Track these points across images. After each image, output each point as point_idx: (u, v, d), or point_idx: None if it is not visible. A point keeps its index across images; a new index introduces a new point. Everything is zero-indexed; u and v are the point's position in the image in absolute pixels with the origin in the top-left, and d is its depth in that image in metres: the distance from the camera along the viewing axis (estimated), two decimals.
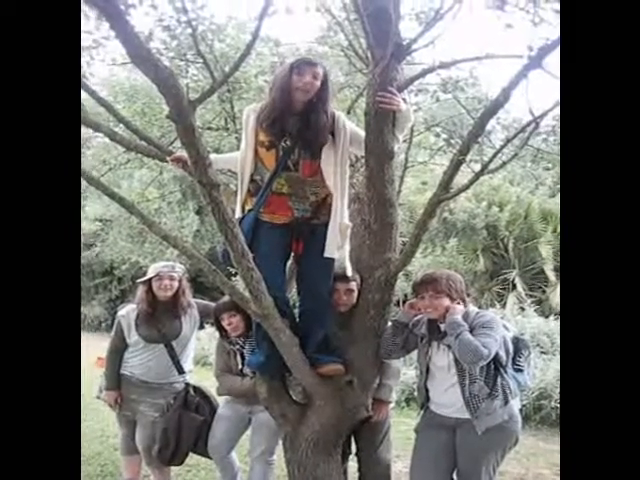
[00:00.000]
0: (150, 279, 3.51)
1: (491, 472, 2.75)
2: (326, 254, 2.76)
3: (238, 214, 2.77)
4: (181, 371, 3.60)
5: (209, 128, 4.54)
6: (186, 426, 3.43)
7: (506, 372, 2.74)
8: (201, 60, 3.36)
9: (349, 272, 2.88)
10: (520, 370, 2.81)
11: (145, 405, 3.53)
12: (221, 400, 3.58)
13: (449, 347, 2.71)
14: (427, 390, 2.89)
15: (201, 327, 3.75)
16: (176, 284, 3.52)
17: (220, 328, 3.37)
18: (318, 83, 2.63)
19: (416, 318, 2.93)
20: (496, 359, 2.67)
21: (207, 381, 4.08)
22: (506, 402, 2.70)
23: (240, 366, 3.35)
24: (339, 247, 2.80)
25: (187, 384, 3.62)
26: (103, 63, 3.70)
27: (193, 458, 3.81)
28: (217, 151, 4.47)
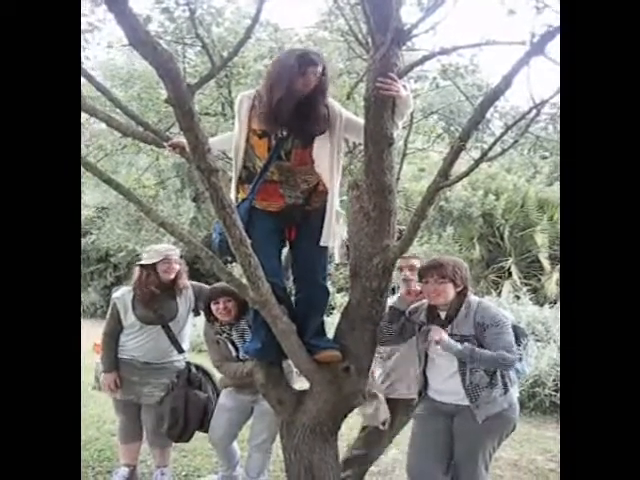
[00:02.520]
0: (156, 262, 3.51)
1: (487, 459, 2.78)
2: (322, 243, 2.77)
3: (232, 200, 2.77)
4: (181, 350, 3.64)
5: (206, 113, 4.50)
6: (192, 403, 3.51)
7: None
8: (199, 44, 3.33)
9: (337, 259, 2.90)
10: (519, 358, 2.81)
11: (150, 387, 3.56)
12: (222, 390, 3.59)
13: (450, 335, 2.71)
14: (426, 377, 2.91)
15: (197, 314, 3.75)
16: (178, 267, 3.55)
17: (209, 314, 3.38)
18: (318, 79, 2.60)
19: (414, 305, 2.94)
20: None
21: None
22: (506, 391, 2.73)
23: (234, 353, 3.35)
24: (334, 236, 2.80)
25: (188, 362, 3.69)
26: (99, 47, 3.65)
27: (189, 443, 3.82)
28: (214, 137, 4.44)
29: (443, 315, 2.81)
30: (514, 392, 2.80)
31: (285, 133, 2.68)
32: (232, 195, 2.79)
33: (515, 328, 2.82)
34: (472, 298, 2.80)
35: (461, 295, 2.78)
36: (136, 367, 3.57)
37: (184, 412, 3.47)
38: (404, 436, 4.65)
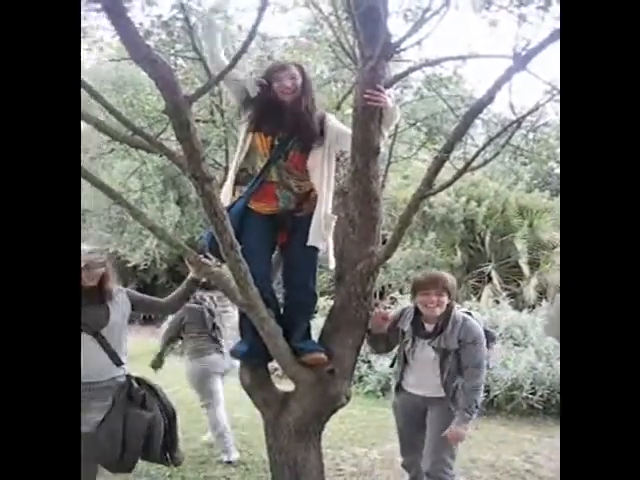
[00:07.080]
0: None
1: (454, 448, 3.00)
2: (309, 242, 2.82)
3: (226, 202, 2.80)
4: (119, 362, 3.10)
5: (197, 120, 4.51)
6: (132, 425, 2.94)
7: None
8: (189, 52, 3.36)
9: (332, 265, 2.95)
10: (487, 364, 3.01)
11: (94, 411, 2.95)
12: None
13: (434, 348, 2.92)
14: (403, 377, 3.09)
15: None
16: (102, 271, 3.07)
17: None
18: (299, 81, 2.80)
19: (396, 313, 3.07)
20: None
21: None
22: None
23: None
24: (323, 238, 2.86)
25: (128, 376, 3.13)
26: (89, 52, 3.65)
27: None
28: (204, 144, 4.45)
29: (430, 328, 2.96)
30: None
31: (284, 134, 2.81)
32: (228, 197, 2.86)
33: (485, 333, 3.00)
34: (458, 313, 2.96)
35: (448, 309, 2.93)
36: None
37: (122, 435, 2.89)
38: (384, 437, 4.74)
